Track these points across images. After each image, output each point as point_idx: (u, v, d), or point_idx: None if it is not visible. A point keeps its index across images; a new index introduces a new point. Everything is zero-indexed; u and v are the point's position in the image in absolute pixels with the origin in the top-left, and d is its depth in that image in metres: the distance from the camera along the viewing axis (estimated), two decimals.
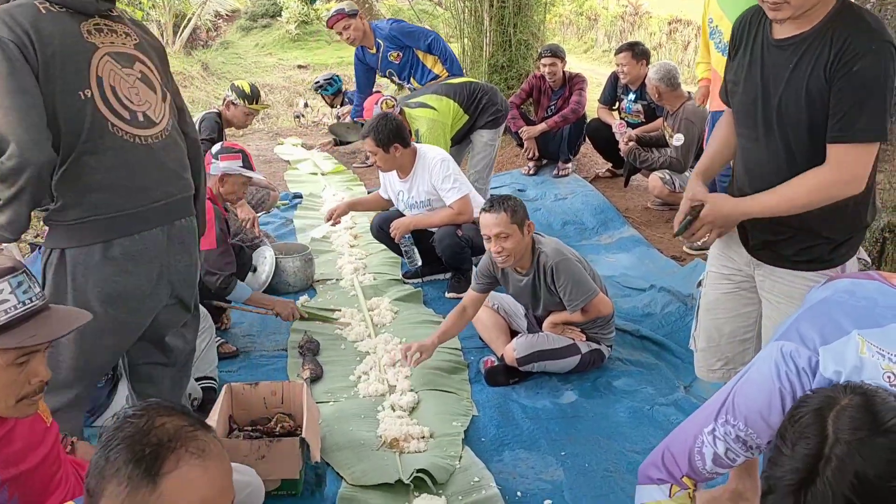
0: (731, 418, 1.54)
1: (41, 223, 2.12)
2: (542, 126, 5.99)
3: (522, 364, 3.09)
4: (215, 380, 3.01)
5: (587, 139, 6.14)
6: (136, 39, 2.14)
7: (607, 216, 5.23)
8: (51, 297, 1.89)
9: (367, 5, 10.46)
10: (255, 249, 4.04)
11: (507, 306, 3.44)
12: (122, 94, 2.04)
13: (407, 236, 4.21)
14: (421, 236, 4.16)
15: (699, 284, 2.35)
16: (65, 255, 2.04)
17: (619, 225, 5.10)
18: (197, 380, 2.91)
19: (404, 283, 4.23)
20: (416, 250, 4.31)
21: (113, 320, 2.10)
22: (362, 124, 6.59)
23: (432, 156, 3.94)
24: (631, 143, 5.23)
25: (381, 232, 4.19)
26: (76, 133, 1.97)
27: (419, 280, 4.26)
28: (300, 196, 5.99)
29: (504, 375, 3.13)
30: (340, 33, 5.35)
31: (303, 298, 4.00)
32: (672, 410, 2.86)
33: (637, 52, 5.58)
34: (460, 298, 3.40)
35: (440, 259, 4.01)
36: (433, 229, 3.98)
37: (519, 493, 2.42)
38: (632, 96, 5.69)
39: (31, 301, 1.52)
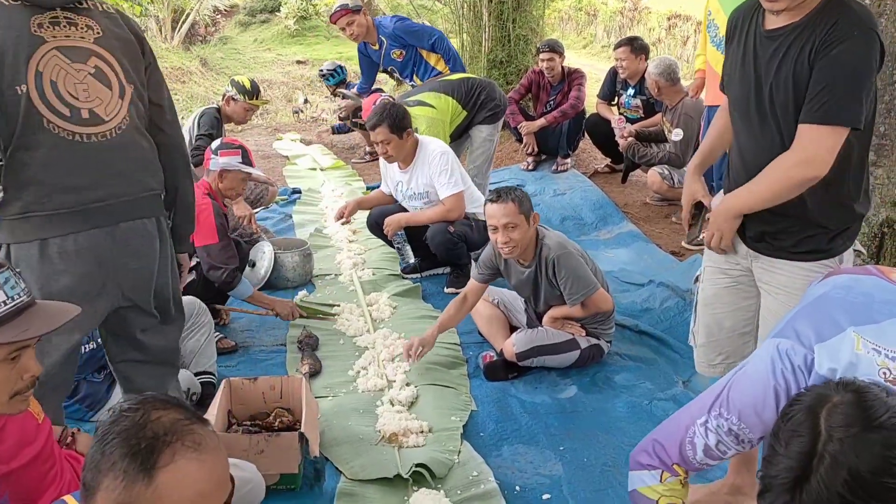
0: (724, 412, 1.54)
1: None
2: (541, 121, 5.99)
3: (521, 359, 3.09)
4: (214, 375, 3.01)
5: (586, 134, 6.13)
6: (98, 33, 2.05)
7: (606, 211, 5.23)
8: None
9: (365, 0, 10.44)
10: (253, 245, 4.04)
11: (507, 301, 3.44)
12: (66, 90, 1.97)
13: (400, 233, 4.21)
14: (416, 233, 4.15)
15: (696, 280, 2.35)
16: (10, 251, 2.00)
17: (617, 220, 5.10)
18: (196, 374, 2.92)
19: (403, 278, 4.23)
20: (408, 248, 4.32)
21: None
22: (362, 125, 6.61)
23: (433, 148, 3.94)
24: (630, 139, 5.22)
25: (377, 227, 4.18)
26: (12, 128, 1.93)
27: (418, 275, 4.26)
28: (299, 191, 5.99)
29: (503, 370, 3.14)
30: (344, 29, 5.31)
31: (301, 294, 4.00)
32: (671, 405, 2.86)
33: (636, 47, 5.57)
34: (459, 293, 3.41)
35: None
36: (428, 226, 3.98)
37: (518, 488, 2.42)
38: (631, 91, 5.68)
39: (19, 296, 1.51)
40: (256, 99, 5.03)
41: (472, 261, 4.08)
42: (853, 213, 1.98)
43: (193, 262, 3.44)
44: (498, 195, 2.99)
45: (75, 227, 2.02)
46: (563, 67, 6.01)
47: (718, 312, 2.23)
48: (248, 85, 4.96)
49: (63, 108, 1.97)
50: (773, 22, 1.90)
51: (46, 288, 2.00)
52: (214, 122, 4.81)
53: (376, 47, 5.36)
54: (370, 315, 3.72)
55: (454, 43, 6.49)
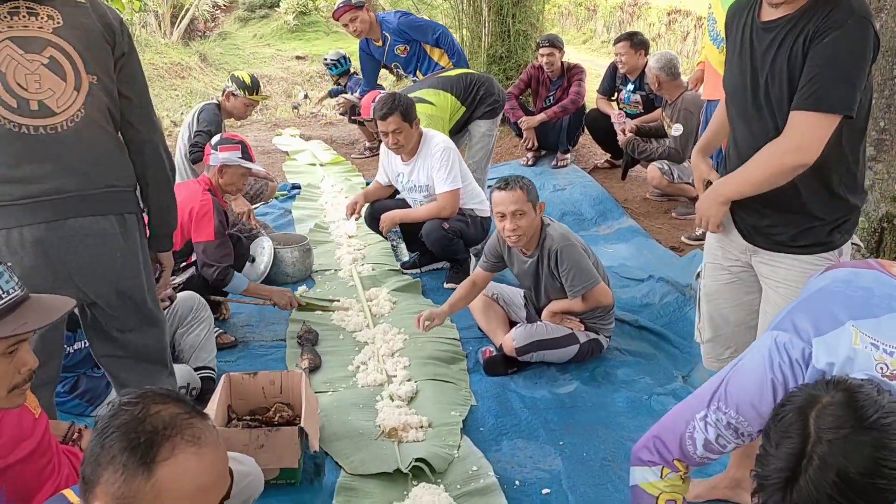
0: (722, 405, 1.55)
1: None
2: (541, 116, 5.98)
3: (521, 354, 3.09)
4: (214, 370, 3.01)
5: (586, 130, 6.12)
6: (58, 23, 1.98)
7: (606, 207, 5.23)
8: None
9: None
10: (253, 240, 4.03)
11: (506, 297, 3.45)
12: (14, 81, 1.93)
13: (395, 230, 4.20)
14: (412, 229, 4.14)
15: (698, 276, 2.34)
16: None
17: (617, 215, 5.10)
18: (196, 369, 2.93)
19: (403, 273, 4.23)
20: (403, 246, 4.32)
21: None
22: (361, 122, 6.60)
23: (436, 142, 3.94)
24: (630, 134, 5.22)
25: (374, 221, 4.18)
26: None
27: (418, 270, 4.26)
28: (298, 187, 5.99)
29: (503, 365, 3.14)
30: (346, 25, 5.27)
31: (301, 289, 4.00)
32: (670, 400, 2.86)
33: (636, 42, 5.57)
34: None
35: None
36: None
37: (517, 482, 2.42)
38: (630, 87, 5.68)
39: (14, 290, 1.51)
40: (256, 94, 5.02)
41: (472, 256, 4.08)
42: (848, 204, 1.98)
43: (192, 258, 3.44)
44: (506, 182, 3.00)
45: (21, 220, 1.96)
46: (562, 63, 6.00)
47: (722, 307, 2.23)
48: (248, 80, 4.95)
49: (10, 99, 1.93)
50: (769, 14, 1.90)
51: None
52: (214, 118, 4.80)
53: (379, 43, 5.34)
54: (370, 310, 3.72)
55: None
